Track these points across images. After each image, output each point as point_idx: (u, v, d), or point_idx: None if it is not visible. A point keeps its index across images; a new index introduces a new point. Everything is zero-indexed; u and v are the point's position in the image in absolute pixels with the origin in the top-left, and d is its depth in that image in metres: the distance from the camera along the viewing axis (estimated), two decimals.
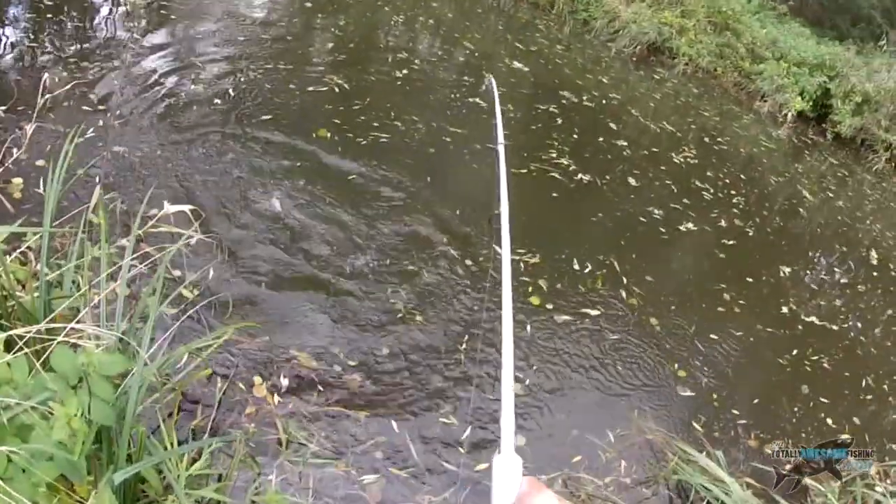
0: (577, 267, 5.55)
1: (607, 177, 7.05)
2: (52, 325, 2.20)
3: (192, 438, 3.15)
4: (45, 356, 2.19)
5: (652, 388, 4.71)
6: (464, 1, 10.96)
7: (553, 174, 6.65)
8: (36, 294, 2.73)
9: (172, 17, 7.07)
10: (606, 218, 6.46)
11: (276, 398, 3.56)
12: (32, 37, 5.89)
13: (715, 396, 4.86)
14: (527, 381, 4.33)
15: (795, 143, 10.96)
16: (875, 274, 7.69)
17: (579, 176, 6.82)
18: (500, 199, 1.73)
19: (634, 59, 11.33)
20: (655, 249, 6.40)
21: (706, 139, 9.22)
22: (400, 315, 4.42)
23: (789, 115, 11.58)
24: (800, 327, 6.06)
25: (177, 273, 3.92)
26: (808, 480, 4.32)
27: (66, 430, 2.01)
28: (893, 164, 11.46)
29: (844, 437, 5.01)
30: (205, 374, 3.33)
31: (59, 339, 2.17)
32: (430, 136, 6.55)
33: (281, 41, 7.33)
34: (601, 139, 7.82)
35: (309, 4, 8.66)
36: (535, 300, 5.01)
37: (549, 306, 5.02)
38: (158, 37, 6.65)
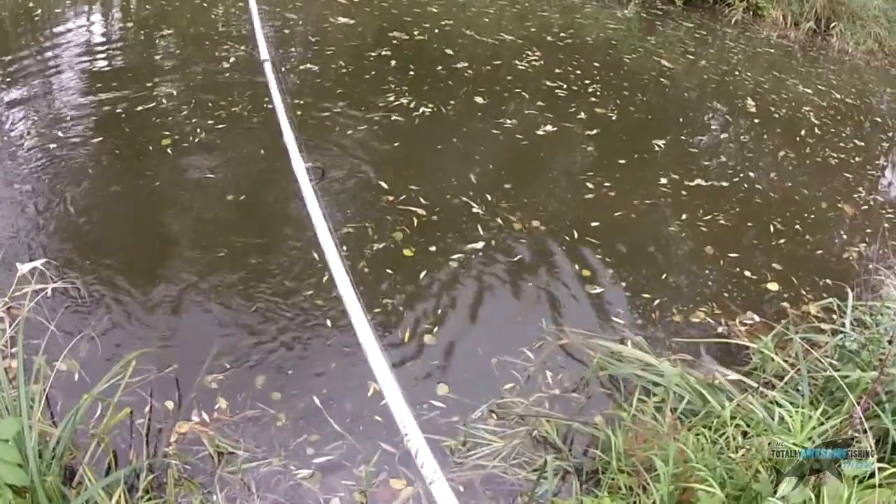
0: (448, 198, 5.77)
1: (451, 102, 7.27)
2: None
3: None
4: None
5: (561, 296, 4.94)
6: None
7: (395, 117, 6.82)
8: None
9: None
10: (459, 142, 6.68)
11: (195, 416, 3.73)
12: None
13: (624, 285, 5.14)
14: (435, 329, 4.49)
15: (645, 17, 11.43)
16: (756, 121, 8.19)
17: (421, 110, 7.03)
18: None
19: None
20: (517, 158, 6.68)
21: (549, 38, 9.55)
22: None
23: None
24: (683, 192, 6.40)
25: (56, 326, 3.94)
26: (743, 341, 4.59)
27: None
28: (752, 12, 12.09)
29: (771, 285, 5.32)
30: (123, 415, 3.50)
31: None
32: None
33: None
34: (439, 68, 8.02)
35: (130, 24, 8.84)
36: (407, 252, 5.14)
37: (431, 250, 5.19)
38: None
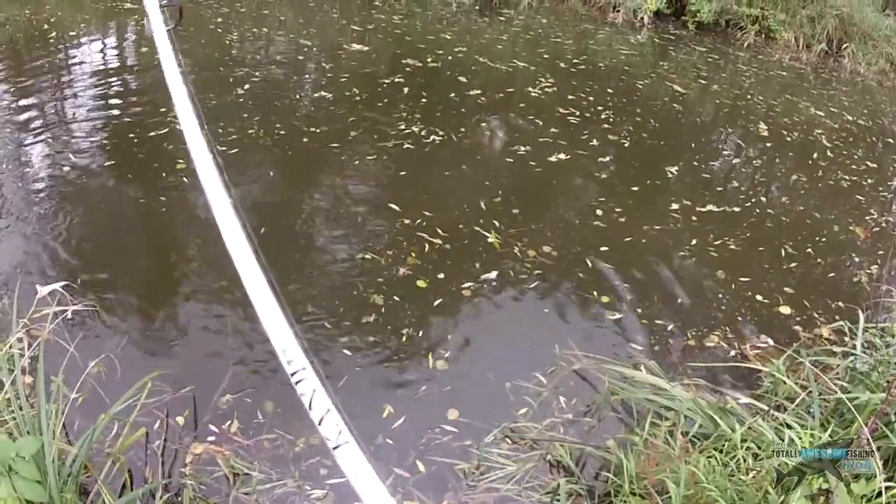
0: (460, 227, 5.84)
1: (462, 130, 7.41)
2: None
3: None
4: None
5: (574, 322, 5.03)
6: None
7: (407, 145, 6.96)
8: None
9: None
10: (471, 169, 6.79)
11: (211, 437, 3.81)
12: None
13: (639, 311, 5.19)
14: (446, 355, 4.55)
15: (658, 42, 11.60)
16: (769, 145, 8.29)
17: (432, 138, 7.16)
18: None
19: (477, 7, 11.82)
20: (530, 185, 6.76)
21: (562, 65, 9.73)
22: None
23: (645, 17, 12.22)
24: (694, 218, 6.47)
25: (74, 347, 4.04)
26: (756, 364, 4.64)
27: None
28: (764, 35, 12.24)
29: (783, 309, 5.38)
30: (139, 435, 3.60)
31: None
32: (289, 138, 6.89)
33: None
34: (452, 95, 8.16)
35: (144, 49, 8.86)
36: (421, 283, 5.19)
37: (441, 278, 5.26)
38: None
